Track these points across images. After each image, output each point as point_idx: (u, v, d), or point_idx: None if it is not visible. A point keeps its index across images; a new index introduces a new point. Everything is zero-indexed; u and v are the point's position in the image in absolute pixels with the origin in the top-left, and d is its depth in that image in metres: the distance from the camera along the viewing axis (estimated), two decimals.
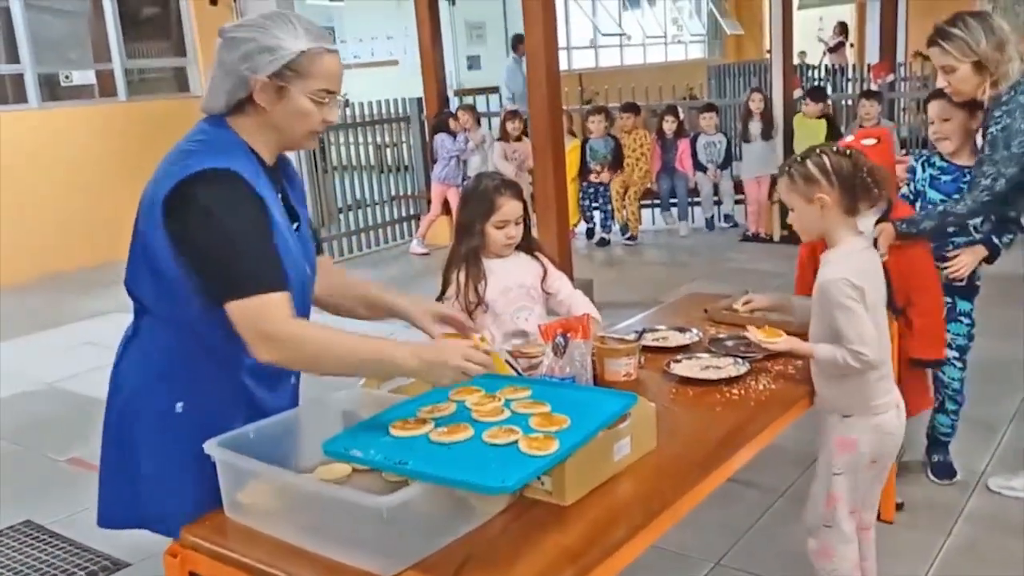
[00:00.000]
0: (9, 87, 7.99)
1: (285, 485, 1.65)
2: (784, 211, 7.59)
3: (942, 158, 3.05)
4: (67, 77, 8.28)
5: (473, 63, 12.79)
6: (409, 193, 8.84)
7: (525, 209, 2.69)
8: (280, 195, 1.82)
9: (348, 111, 8.24)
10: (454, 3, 12.10)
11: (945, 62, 2.76)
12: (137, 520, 1.87)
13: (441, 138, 7.98)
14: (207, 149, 1.71)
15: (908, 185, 3.14)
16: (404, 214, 8.76)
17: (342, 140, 8.30)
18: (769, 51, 16.58)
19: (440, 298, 2.63)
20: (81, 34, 8.62)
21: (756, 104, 7.54)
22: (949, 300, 3.01)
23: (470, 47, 12.85)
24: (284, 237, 1.76)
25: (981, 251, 3.00)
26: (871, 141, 2.82)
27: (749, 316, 2.72)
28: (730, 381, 2.31)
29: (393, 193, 8.72)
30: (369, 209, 8.44)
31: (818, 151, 2.18)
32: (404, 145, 8.79)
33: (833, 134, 7.24)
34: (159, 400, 1.79)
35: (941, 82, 2.86)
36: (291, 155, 2.02)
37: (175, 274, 1.71)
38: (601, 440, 1.74)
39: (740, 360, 2.41)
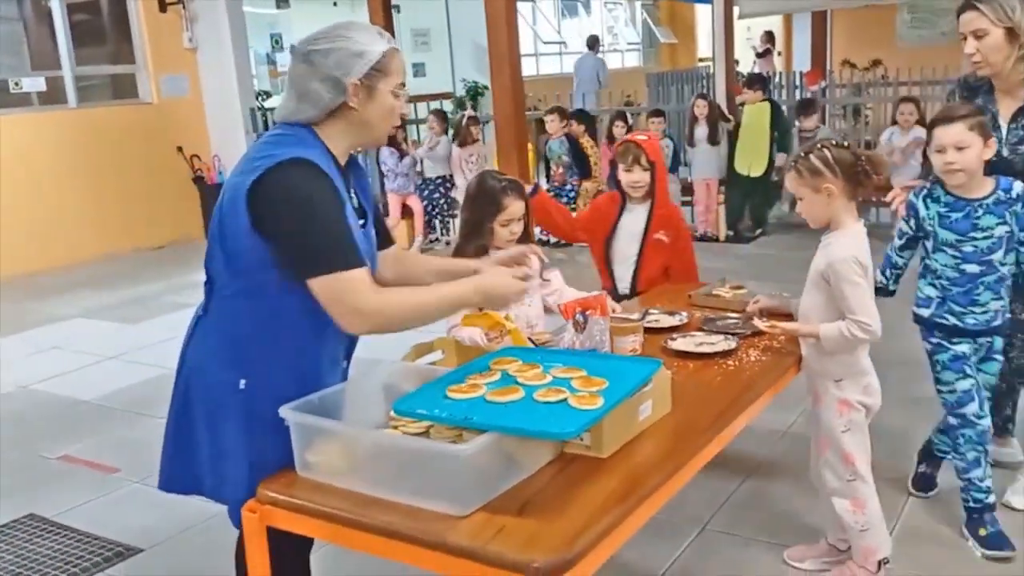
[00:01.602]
0: None
1: (365, 439, 1.82)
2: (730, 213, 7.98)
3: (946, 191, 2.68)
4: (16, 84, 8.19)
5: (419, 70, 12.94)
6: None
7: (526, 207, 2.90)
8: (351, 193, 1.98)
9: None
10: (399, 11, 12.23)
11: (979, 25, 2.69)
12: (195, 487, 2.00)
13: (384, 153, 8.11)
14: (290, 143, 1.86)
15: (907, 222, 2.79)
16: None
17: None
18: (703, 59, 17.05)
19: None
20: (30, 41, 8.54)
21: (701, 110, 7.88)
22: (988, 339, 2.77)
23: (415, 54, 13.00)
24: (355, 227, 1.91)
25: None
26: (643, 137, 3.47)
27: (732, 300, 3.01)
28: (725, 354, 2.56)
29: None
30: None
31: (820, 145, 2.45)
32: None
33: (777, 115, 7.62)
34: (223, 375, 1.91)
35: (969, 48, 2.75)
36: None
37: (252, 256, 1.84)
38: (629, 401, 1.95)
39: (730, 336, 2.67)
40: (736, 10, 9.45)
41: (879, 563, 2.58)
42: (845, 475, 2.54)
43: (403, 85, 1.95)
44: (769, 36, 15.26)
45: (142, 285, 7.29)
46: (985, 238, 2.64)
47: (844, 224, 2.47)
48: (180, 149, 9.09)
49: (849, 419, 2.51)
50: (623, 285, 3.48)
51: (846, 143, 2.50)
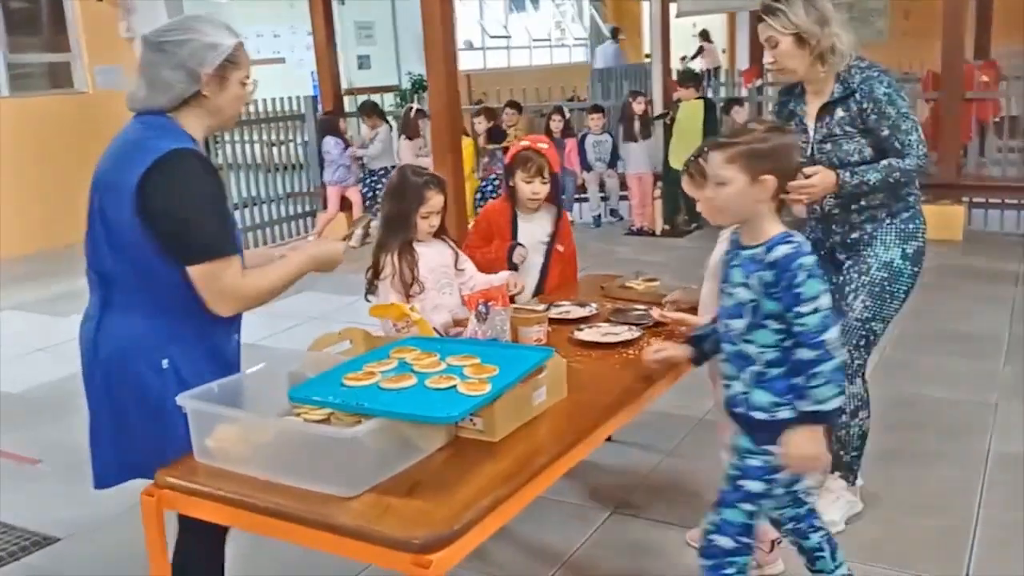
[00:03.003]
0: None
1: (260, 426, 1.89)
2: (666, 207, 8.12)
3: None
4: None
5: (363, 62, 12.92)
6: (303, 191, 8.94)
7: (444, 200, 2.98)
8: None
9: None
10: (343, 2, 12.20)
11: (768, 34, 2.79)
12: (129, 471, 2.05)
13: (329, 143, 8.13)
14: (164, 135, 1.95)
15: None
16: (299, 211, 8.86)
17: (236, 138, 8.32)
18: (648, 55, 17.26)
19: (374, 280, 2.89)
20: None
21: (638, 106, 8.02)
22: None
23: (360, 47, 12.97)
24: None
25: (832, 178, 2.72)
26: (544, 145, 3.32)
27: (643, 292, 3.13)
28: (627, 344, 2.66)
29: (288, 190, 8.81)
30: (265, 206, 8.49)
31: (706, 148, 2.55)
32: (293, 144, 8.84)
33: (710, 113, 7.80)
34: (145, 359, 1.98)
35: (767, 58, 2.83)
36: None
37: (142, 246, 1.92)
38: (523, 387, 2.04)
39: (634, 327, 2.77)
40: (673, 8, 9.61)
41: (772, 542, 2.71)
42: None
43: (248, 76, 2.08)
44: (703, 34, 15.59)
45: (76, 279, 7.15)
46: (729, 296, 2.13)
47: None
48: None
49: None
50: (528, 294, 3.34)
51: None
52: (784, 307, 1.99)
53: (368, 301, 2.56)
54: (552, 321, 2.85)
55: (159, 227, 1.91)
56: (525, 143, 3.35)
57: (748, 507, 2.15)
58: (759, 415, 2.08)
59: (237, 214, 8.20)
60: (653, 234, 8.04)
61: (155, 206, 1.89)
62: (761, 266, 2.02)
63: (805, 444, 2.02)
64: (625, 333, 2.73)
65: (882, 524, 2.97)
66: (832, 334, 1.99)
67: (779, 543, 2.72)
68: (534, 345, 2.49)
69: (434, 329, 2.33)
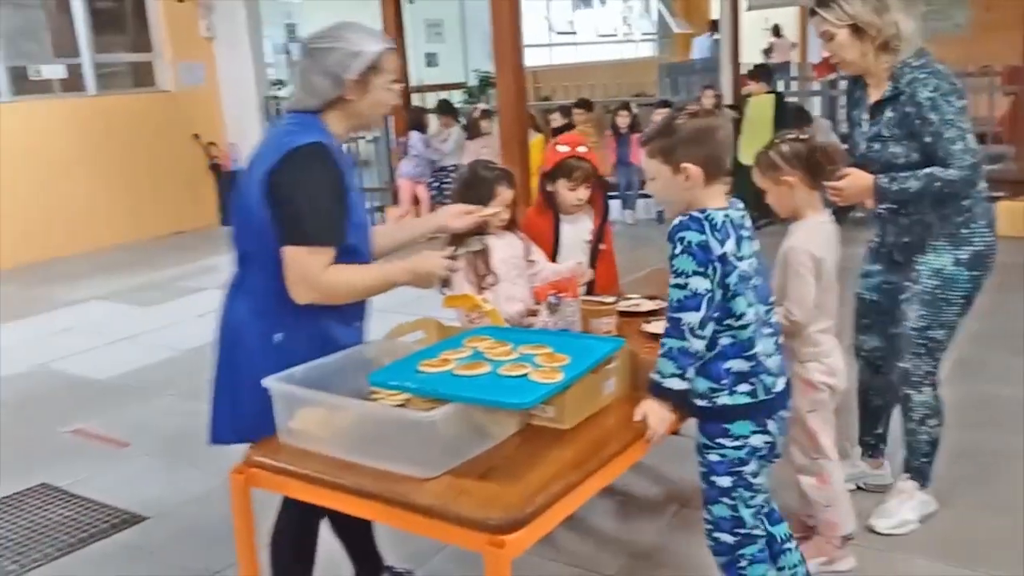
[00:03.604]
0: None
1: (342, 408, 1.97)
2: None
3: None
4: (37, 71, 8.39)
5: (431, 60, 13.08)
6: (372, 186, 9.10)
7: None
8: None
9: None
10: (412, 1, 12.37)
11: (823, 29, 2.73)
12: (239, 435, 2.19)
13: (415, 136, 8.27)
14: (303, 131, 2.12)
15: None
16: (369, 207, 9.00)
17: None
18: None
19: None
20: (50, 28, 8.73)
21: (709, 101, 7.97)
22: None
23: (428, 45, 13.14)
24: (356, 202, 2.18)
25: (867, 182, 2.69)
26: (584, 148, 3.17)
27: None
28: None
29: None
30: None
31: (778, 140, 2.57)
32: (362, 139, 8.90)
33: (781, 107, 7.71)
34: (261, 332, 2.14)
35: (826, 52, 2.79)
36: None
37: (268, 232, 2.09)
38: (593, 377, 2.08)
39: None
40: (745, 2, 9.51)
41: (843, 538, 2.70)
42: (810, 452, 2.66)
43: (395, 81, 2.19)
44: (775, 30, 15.40)
45: (158, 270, 7.48)
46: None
47: (805, 215, 2.59)
48: (196, 136, 9.27)
49: (813, 399, 2.63)
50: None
51: (805, 136, 2.61)
52: None
53: (442, 293, 2.63)
54: (622, 314, 2.89)
55: (275, 211, 2.07)
56: (564, 148, 3.21)
57: (728, 501, 2.17)
58: (700, 402, 2.12)
59: None
60: None
61: (275, 192, 2.07)
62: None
63: (649, 411, 2.05)
64: None
65: (956, 523, 2.93)
66: (691, 318, 1.99)
67: (850, 539, 2.71)
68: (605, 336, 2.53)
69: (506, 319, 2.39)
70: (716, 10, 18.08)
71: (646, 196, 8.54)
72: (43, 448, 3.96)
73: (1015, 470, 3.27)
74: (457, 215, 2.58)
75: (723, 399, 2.10)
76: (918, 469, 2.95)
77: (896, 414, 3.06)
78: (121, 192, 8.60)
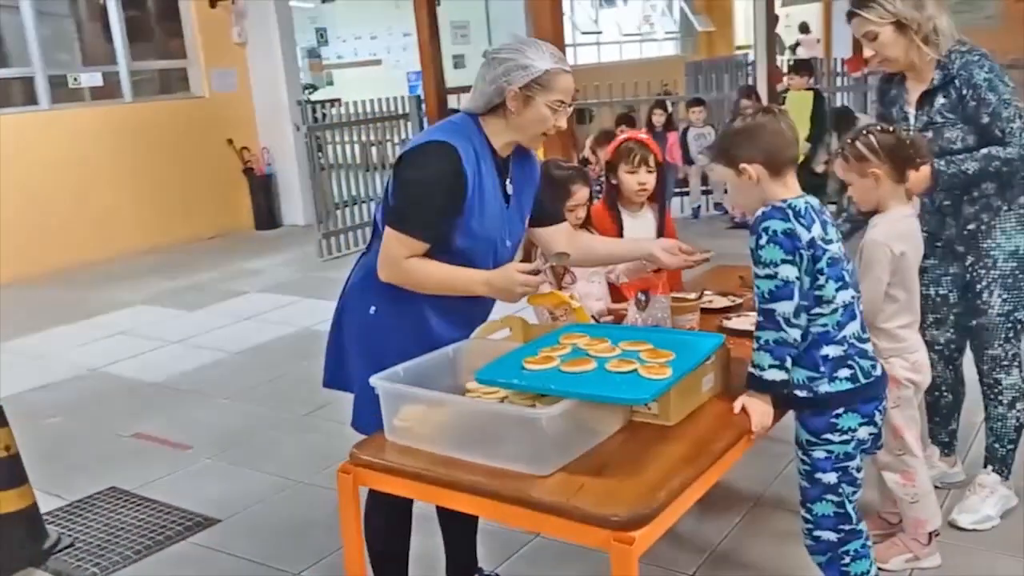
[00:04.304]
0: (17, 89, 8.17)
1: (454, 405, 1.99)
2: None
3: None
4: (74, 79, 8.46)
5: (458, 62, 13.08)
6: None
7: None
8: (502, 180, 2.28)
9: (343, 110, 8.50)
10: (439, 3, 12.39)
11: (866, 29, 2.71)
12: (341, 385, 2.37)
13: None
14: (453, 131, 2.21)
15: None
16: None
17: (338, 139, 8.45)
18: (740, 47, 16.97)
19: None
20: (82, 37, 8.80)
21: (751, 101, 7.93)
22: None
23: (455, 47, 13.14)
24: (479, 210, 2.20)
25: (925, 170, 2.64)
26: (643, 135, 3.21)
27: None
28: None
29: None
30: (364, 205, 8.56)
31: (865, 131, 2.54)
32: (390, 143, 8.74)
33: (819, 105, 7.66)
34: (362, 300, 2.30)
35: (868, 52, 2.80)
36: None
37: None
38: (694, 373, 2.07)
39: None
40: None
41: (930, 535, 2.67)
42: (895, 449, 2.64)
43: (563, 103, 2.19)
44: (802, 27, 15.31)
45: (197, 273, 7.52)
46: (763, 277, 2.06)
47: (889, 208, 2.56)
48: (230, 142, 9.31)
49: (898, 395, 2.60)
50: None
51: (891, 128, 2.58)
52: None
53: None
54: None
55: (392, 192, 2.21)
56: (625, 135, 3.26)
57: (833, 497, 2.16)
58: (800, 392, 2.11)
59: (338, 213, 8.33)
60: None
61: (397, 176, 2.20)
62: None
63: (750, 405, 2.06)
64: None
65: None
66: (784, 308, 1.99)
67: (936, 535, 2.68)
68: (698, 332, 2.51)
69: (592, 317, 2.38)
70: (739, 7, 18.14)
71: (684, 194, 8.54)
72: (108, 451, 3.98)
73: None
74: (669, 250, 2.49)
75: (824, 387, 2.10)
76: (1003, 459, 2.92)
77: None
78: (157, 197, 8.65)
